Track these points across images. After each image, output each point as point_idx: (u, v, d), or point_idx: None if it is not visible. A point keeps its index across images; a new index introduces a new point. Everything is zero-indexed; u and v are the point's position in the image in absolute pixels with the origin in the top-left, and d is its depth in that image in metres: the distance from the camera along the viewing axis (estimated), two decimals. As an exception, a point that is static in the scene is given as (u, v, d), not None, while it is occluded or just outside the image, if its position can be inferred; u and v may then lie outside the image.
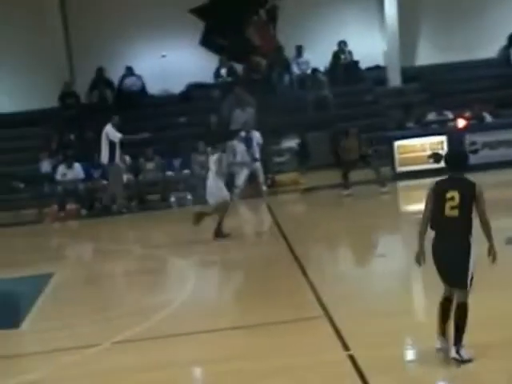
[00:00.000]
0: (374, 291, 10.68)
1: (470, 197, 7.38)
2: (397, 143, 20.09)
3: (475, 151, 19.22)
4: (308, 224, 16.19)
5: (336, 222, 15.81)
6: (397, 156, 20.09)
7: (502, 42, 24.81)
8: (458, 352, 7.46)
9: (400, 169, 20.02)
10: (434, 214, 7.47)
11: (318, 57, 24.29)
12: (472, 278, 7.44)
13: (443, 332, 7.67)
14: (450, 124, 20.53)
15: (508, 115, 20.68)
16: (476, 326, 7.57)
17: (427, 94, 23.68)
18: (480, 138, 19.89)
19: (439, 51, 24.65)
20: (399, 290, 10.69)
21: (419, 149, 19.97)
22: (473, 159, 19.63)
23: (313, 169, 21.24)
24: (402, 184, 19.50)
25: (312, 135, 22.15)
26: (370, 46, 24.55)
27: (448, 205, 7.38)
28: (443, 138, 19.63)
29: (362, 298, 10.14)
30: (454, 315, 7.49)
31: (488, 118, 20.42)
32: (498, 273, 9.57)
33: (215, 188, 14.60)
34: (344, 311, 9.42)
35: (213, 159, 14.79)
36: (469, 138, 19.58)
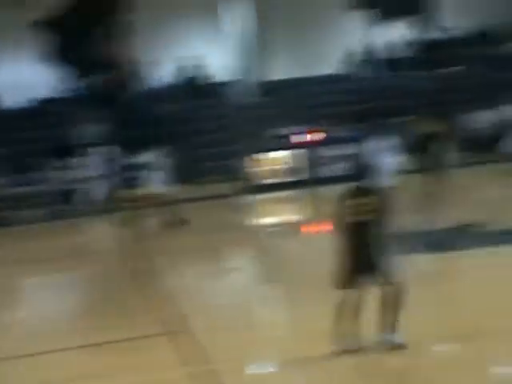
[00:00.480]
0: (227, 304, 10.66)
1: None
2: (254, 156, 20.31)
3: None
4: (164, 239, 16.20)
5: (190, 237, 15.84)
6: (251, 170, 20.30)
7: (351, 57, 25.59)
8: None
9: (254, 182, 20.22)
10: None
11: (173, 71, 24.33)
12: None
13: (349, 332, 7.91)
14: (300, 138, 20.86)
15: (353, 129, 21.23)
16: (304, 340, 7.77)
17: (280, 108, 24.11)
18: (327, 152, 20.35)
19: (293, 66, 25.16)
20: (252, 303, 10.79)
21: (272, 163, 20.29)
22: (320, 173, 20.22)
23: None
24: (256, 197, 19.67)
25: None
26: (225, 60, 24.75)
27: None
28: (294, 152, 19.96)
29: (216, 312, 10.13)
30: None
31: (335, 132, 20.88)
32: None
33: None
34: (200, 325, 9.41)
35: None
36: (316, 153, 19.98)
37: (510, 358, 7.60)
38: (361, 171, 7.90)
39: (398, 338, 7.81)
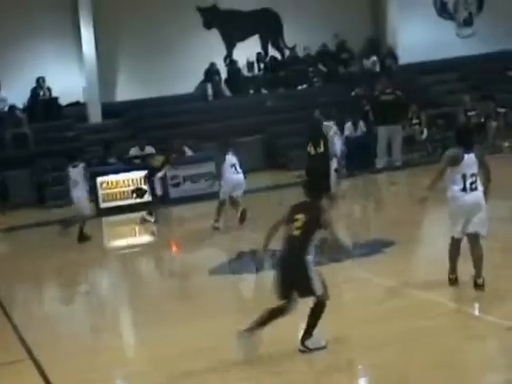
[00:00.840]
0: (79, 329, 10.54)
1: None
2: (99, 179, 20.03)
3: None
4: (11, 264, 15.67)
5: (41, 260, 15.44)
6: (100, 192, 20.03)
7: (200, 77, 25.66)
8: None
9: (104, 204, 19.95)
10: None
11: (16, 94, 23.75)
12: None
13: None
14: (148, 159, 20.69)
15: (207, 148, 21.30)
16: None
17: (129, 129, 23.91)
18: (181, 172, 20.31)
19: (140, 87, 25.02)
20: (104, 326, 10.64)
21: (122, 184, 20.08)
22: (174, 193, 20.22)
23: (13, 208, 20.79)
24: (106, 219, 19.43)
25: (11, 173, 21.67)
26: (70, 82, 24.36)
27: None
28: (141, 173, 19.69)
29: (68, 336, 9.97)
30: None
31: (188, 151, 20.92)
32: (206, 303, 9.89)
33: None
34: (50, 351, 9.22)
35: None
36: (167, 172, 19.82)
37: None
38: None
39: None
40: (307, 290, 8.30)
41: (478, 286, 9.92)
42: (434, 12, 27.63)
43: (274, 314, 8.36)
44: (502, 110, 23.42)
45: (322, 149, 14.47)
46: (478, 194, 9.90)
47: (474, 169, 9.89)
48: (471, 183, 9.82)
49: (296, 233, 8.36)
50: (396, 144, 22.28)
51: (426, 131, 22.93)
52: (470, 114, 23.15)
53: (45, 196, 21.60)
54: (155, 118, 24.06)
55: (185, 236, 16.31)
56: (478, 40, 27.28)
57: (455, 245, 10.13)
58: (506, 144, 22.47)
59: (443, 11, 27.69)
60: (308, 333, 8.44)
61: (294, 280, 8.36)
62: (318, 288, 8.32)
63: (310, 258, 8.35)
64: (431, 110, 23.80)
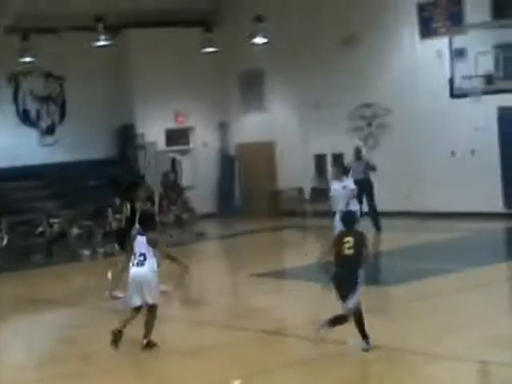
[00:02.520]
0: None
1: None
2: None
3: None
4: None
5: None
6: None
7: None
8: None
9: None
10: None
11: None
12: None
13: None
14: None
15: None
16: None
17: None
18: None
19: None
20: None
21: None
22: None
23: None
24: None
25: None
26: None
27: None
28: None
29: None
30: None
31: None
32: None
33: None
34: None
35: None
36: None
37: None
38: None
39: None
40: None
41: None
42: (17, 120, 27.45)
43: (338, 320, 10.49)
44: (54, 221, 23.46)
45: None
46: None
47: None
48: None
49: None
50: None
51: (6, 238, 22.42)
52: (52, 221, 23.08)
53: None
54: None
55: None
56: (60, 148, 27.52)
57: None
58: (87, 252, 22.68)
59: (26, 119, 27.62)
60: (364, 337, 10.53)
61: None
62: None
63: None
64: (12, 217, 23.36)
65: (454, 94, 20.18)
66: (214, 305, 15.63)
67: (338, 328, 10.52)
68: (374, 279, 15.21)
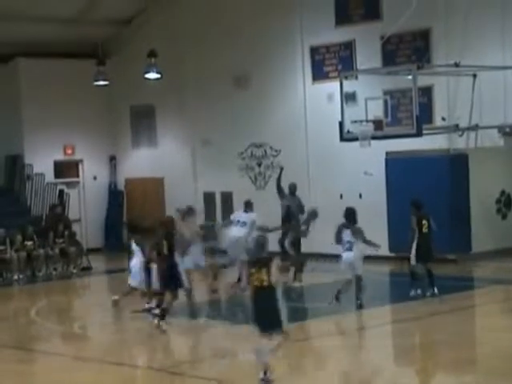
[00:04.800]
0: None
1: None
2: None
3: None
4: None
5: None
6: None
7: None
8: None
9: None
10: None
11: None
12: None
13: None
14: None
15: None
16: None
17: None
18: None
19: None
20: None
21: None
22: None
23: None
24: None
25: None
26: None
27: None
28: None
29: None
30: None
31: None
32: None
33: None
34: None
35: None
36: None
37: None
38: None
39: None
40: None
41: None
42: None
43: None
44: None
45: None
46: None
47: None
48: None
49: None
50: None
51: None
52: None
53: None
54: None
55: None
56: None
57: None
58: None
59: None
60: None
61: None
62: None
63: None
64: None
65: (344, 137, 20.41)
66: (95, 340, 15.35)
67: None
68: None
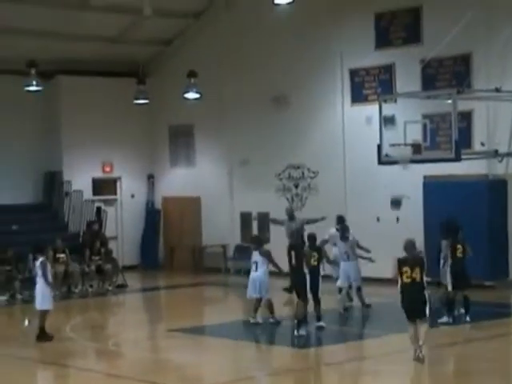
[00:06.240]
0: None
1: None
2: None
3: None
4: None
5: None
6: None
7: None
8: None
9: None
10: None
11: None
12: None
13: None
14: None
15: None
16: None
17: None
18: None
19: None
20: None
21: None
22: None
23: None
24: None
25: None
26: None
27: None
28: None
29: None
30: None
31: None
32: None
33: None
34: None
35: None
36: None
37: None
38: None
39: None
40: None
41: None
42: None
43: None
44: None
45: None
46: None
47: None
48: None
49: None
50: None
51: None
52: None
53: None
54: None
55: None
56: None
57: None
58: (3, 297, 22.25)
59: None
60: None
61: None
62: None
63: None
64: None
65: (382, 160, 20.33)
66: (129, 358, 15.38)
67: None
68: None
